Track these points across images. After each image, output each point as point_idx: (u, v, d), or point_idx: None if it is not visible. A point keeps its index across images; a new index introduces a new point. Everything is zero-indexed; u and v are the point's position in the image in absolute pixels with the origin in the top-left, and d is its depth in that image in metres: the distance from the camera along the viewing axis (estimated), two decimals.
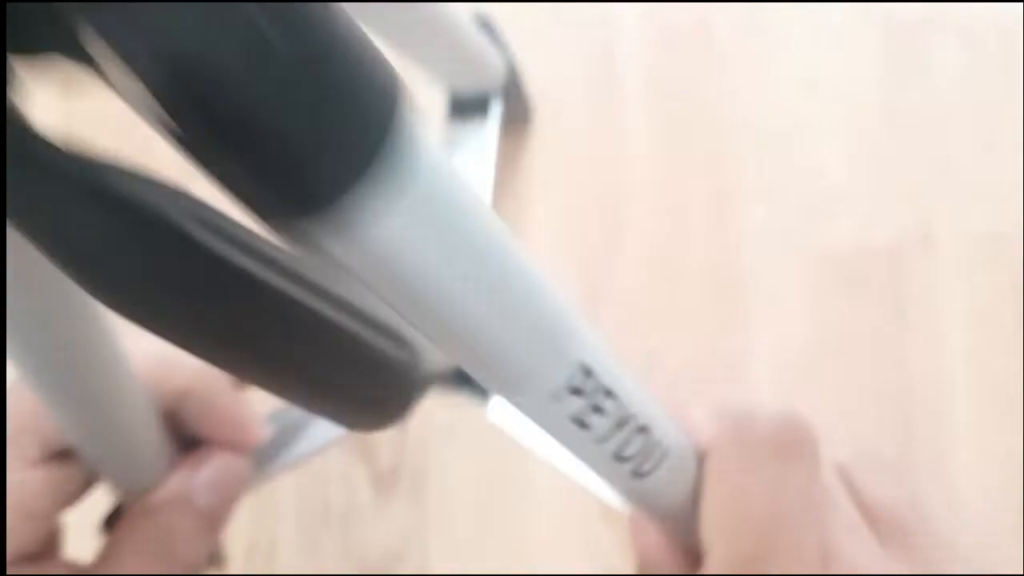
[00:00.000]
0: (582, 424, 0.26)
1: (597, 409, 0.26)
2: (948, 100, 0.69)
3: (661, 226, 0.68)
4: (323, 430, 0.42)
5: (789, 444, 0.33)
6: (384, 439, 0.66)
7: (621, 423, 0.27)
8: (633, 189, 0.68)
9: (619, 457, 0.28)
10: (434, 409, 0.67)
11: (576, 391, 0.25)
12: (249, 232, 0.22)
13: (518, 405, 0.25)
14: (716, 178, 0.68)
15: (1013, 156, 0.69)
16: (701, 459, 0.32)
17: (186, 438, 0.36)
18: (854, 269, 0.68)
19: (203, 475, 0.35)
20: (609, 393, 0.26)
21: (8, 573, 0.31)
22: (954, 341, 0.68)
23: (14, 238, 0.23)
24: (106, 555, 0.34)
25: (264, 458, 0.41)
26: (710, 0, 0.70)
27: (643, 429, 0.28)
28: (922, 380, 0.68)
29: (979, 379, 0.68)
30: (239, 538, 0.65)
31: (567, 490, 0.66)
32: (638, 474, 0.29)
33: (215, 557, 0.38)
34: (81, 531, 0.37)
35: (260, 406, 0.40)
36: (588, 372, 0.25)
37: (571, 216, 0.68)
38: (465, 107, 0.64)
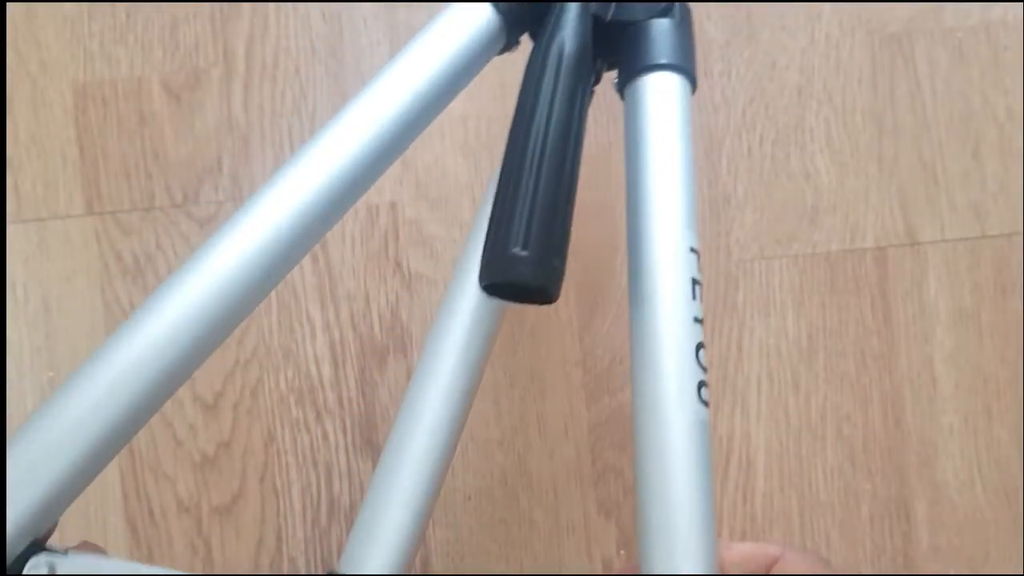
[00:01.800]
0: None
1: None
2: (933, 107, 0.71)
3: None
4: None
5: None
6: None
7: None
8: None
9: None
10: None
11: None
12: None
13: None
14: (711, 182, 0.70)
15: (995, 161, 0.71)
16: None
17: None
18: (842, 271, 0.70)
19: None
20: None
21: None
22: (939, 341, 0.70)
23: None
24: None
25: None
26: (706, 1, 0.71)
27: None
28: (908, 378, 0.70)
29: (963, 378, 0.70)
30: (247, 533, 0.67)
31: (566, 487, 0.68)
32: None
33: None
34: None
35: None
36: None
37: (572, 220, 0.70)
38: None
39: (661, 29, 0.42)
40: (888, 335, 0.69)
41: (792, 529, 0.68)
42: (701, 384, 0.37)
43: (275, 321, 0.68)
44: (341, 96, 0.70)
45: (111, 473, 0.67)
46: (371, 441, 0.68)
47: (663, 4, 0.42)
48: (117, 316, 0.67)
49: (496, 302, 0.45)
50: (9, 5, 0.69)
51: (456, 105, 0.70)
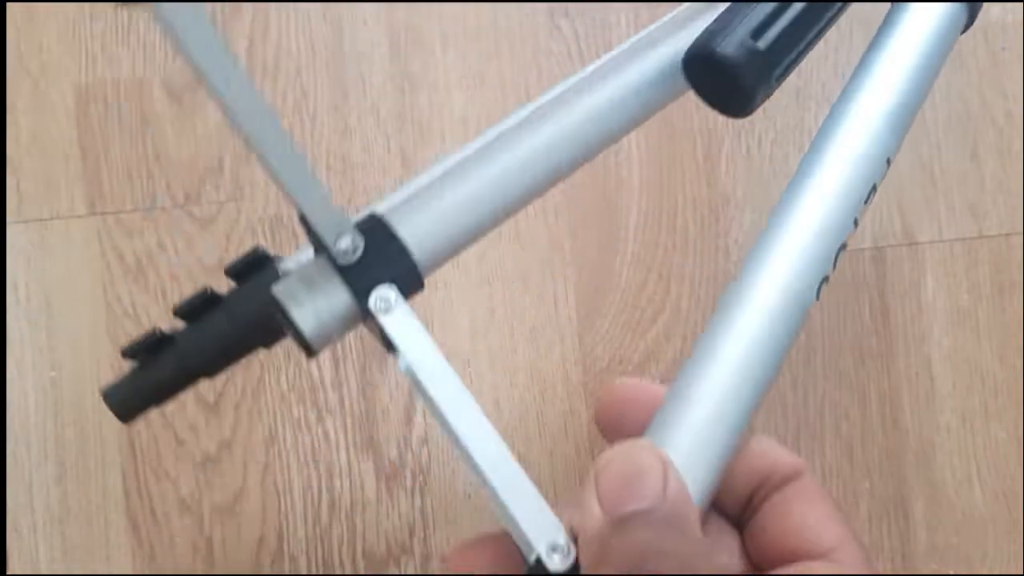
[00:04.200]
0: None
1: None
2: (931, 107, 0.71)
3: (657, 229, 0.70)
4: None
5: None
6: (389, 436, 0.68)
7: None
8: (630, 194, 0.70)
9: None
10: None
11: None
12: None
13: None
14: (710, 183, 0.70)
15: (994, 162, 0.72)
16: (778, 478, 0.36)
17: None
18: (840, 271, 0.70)
19: None
20: None
21: None
22: (936, 340, 0.70)
23: None
24: None
25: None
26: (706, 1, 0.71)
27: None
28: (906, 378, 0.70)
29: (961, 377, 0.70)
30: (248, 532, 0.67)
31: (564, 485, 0.68)
32: None
33: None
34: None
35: None
36: None
37: (571, 219, 0.70)
38: None
39: None
40: (886, 335, 0.70)
41: None
42: (825, 279, 0.37)
43: None
44: (343, 96, 0.70)
45: (112, 472, 0.67)
46: (372, 440, 0.68)
47: None
48: (119, 316, 0.67)
49: None
50: (9, 5, 0.70)
51: (457, 106, 0.71)
